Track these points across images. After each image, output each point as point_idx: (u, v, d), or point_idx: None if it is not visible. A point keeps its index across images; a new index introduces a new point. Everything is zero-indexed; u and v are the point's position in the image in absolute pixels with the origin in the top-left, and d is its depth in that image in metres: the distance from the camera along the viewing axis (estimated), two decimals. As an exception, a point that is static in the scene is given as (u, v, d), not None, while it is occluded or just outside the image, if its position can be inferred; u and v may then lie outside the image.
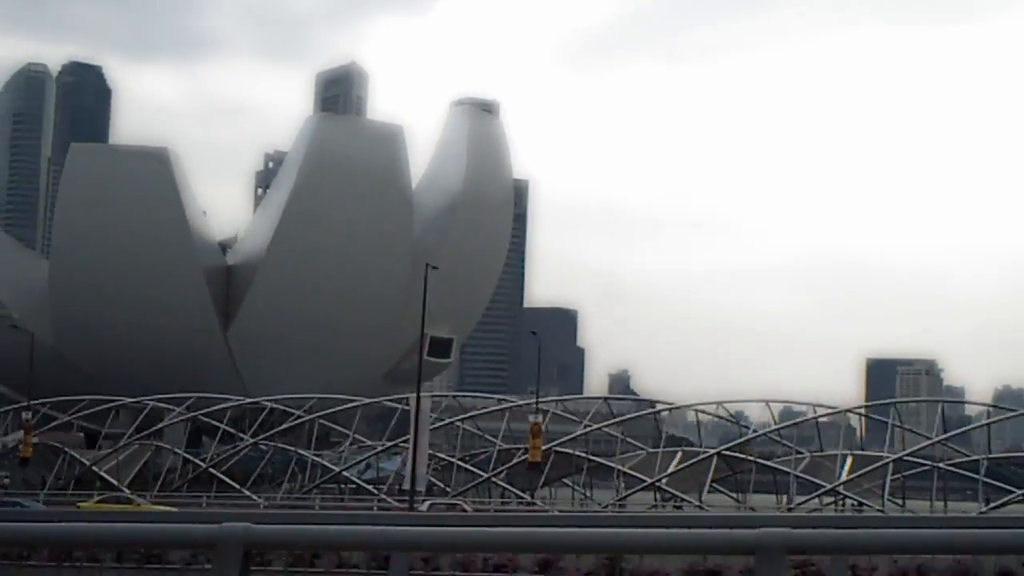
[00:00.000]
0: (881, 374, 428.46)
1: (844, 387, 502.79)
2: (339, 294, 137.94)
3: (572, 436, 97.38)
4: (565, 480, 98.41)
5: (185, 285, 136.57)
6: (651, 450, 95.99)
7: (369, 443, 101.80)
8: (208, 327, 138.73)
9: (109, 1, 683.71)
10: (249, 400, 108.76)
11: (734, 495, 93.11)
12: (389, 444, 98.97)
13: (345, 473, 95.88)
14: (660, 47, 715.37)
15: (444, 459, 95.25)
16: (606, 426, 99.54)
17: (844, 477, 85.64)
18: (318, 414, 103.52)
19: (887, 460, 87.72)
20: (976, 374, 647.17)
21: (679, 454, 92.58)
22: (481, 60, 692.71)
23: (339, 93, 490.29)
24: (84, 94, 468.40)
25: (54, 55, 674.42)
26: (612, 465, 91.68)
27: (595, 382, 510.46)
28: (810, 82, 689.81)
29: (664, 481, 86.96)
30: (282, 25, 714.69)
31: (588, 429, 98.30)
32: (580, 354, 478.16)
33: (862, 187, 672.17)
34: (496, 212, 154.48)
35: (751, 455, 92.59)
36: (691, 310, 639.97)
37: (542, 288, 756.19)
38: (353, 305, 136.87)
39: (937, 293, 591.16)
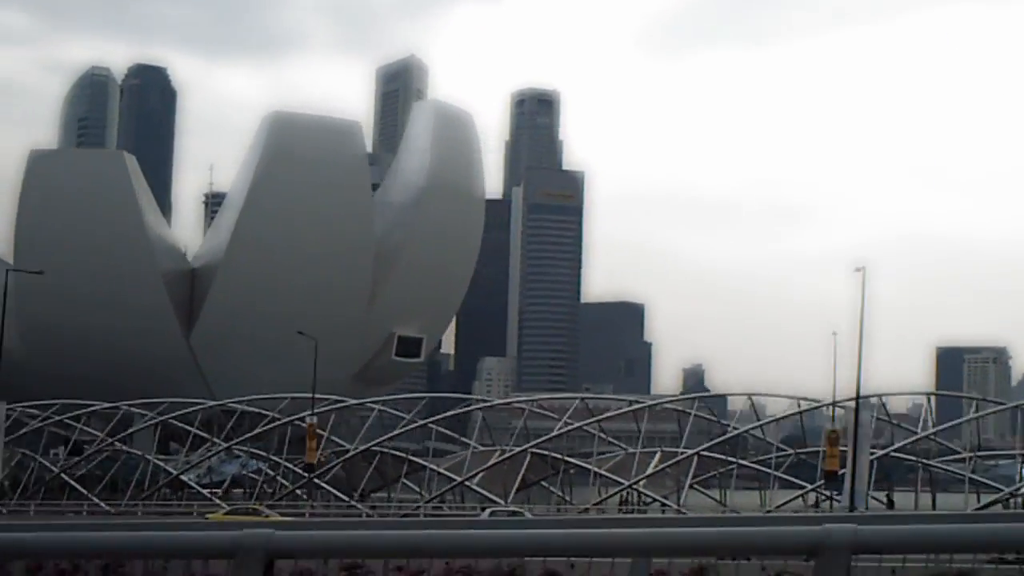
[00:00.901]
0: (950, 363, 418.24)
1: (919, 376, 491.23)
2: (301, 292, 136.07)
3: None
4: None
5: (143, 288, 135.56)
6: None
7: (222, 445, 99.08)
8: (169, 329, 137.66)
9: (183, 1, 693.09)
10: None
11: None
12: (224, 446, 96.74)
13: (183, 477, 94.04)
14: (737, 30, 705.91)
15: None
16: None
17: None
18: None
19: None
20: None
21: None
22: (547, 50, 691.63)
23: (399, 87, 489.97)
24: (149, 96, 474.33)
25: (121, 56, 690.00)
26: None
27: (666, 377, 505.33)
28: (889, 63, 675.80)
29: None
30: (355, 18, 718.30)
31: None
32: (647, 348, 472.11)
33: (941, 171, 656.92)
34: (465, 210, 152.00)
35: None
36: (767, 299, 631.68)
37: (609, 282, 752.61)
38: (316, 303, 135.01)
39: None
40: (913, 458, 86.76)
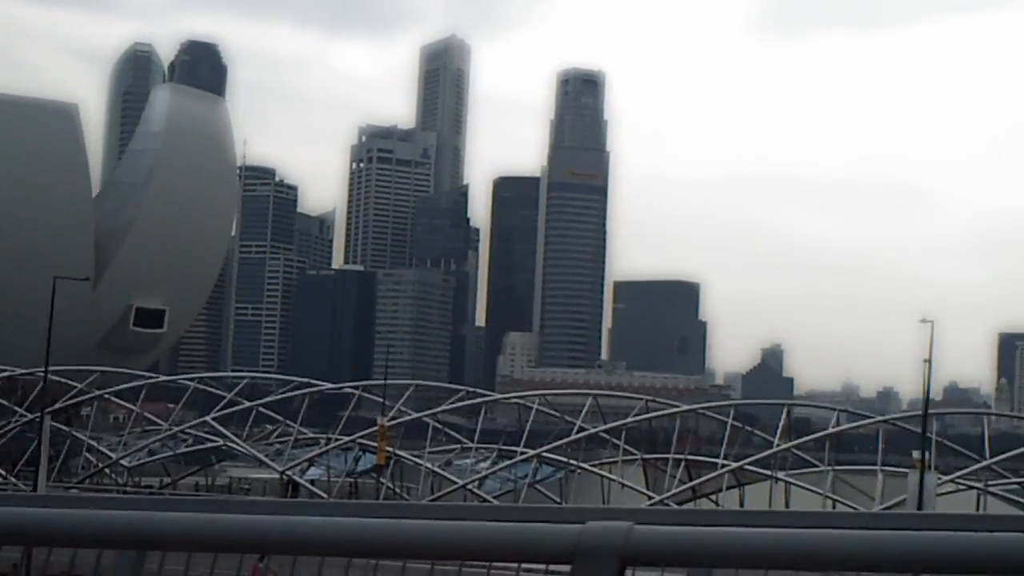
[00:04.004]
0: (1009, 349, 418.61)
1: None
2: (22, 269, 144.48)
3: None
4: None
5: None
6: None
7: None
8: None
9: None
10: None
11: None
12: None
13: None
14: (829, 9, 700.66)
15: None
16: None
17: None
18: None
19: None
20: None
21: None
22: (595, 30, 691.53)
23: (439, 67, 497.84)
24: (200, 71, 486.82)
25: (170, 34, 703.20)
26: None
27: (731, 356, 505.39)
28: (998, 48, 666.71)
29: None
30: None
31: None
32: (702, 328, 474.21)
33: None
34: (206, 188, 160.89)
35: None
36: (852, 282, 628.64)
37: (666, 259, 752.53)
38: (40, 279, 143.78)
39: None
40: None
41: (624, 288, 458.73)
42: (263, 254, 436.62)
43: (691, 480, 71.61)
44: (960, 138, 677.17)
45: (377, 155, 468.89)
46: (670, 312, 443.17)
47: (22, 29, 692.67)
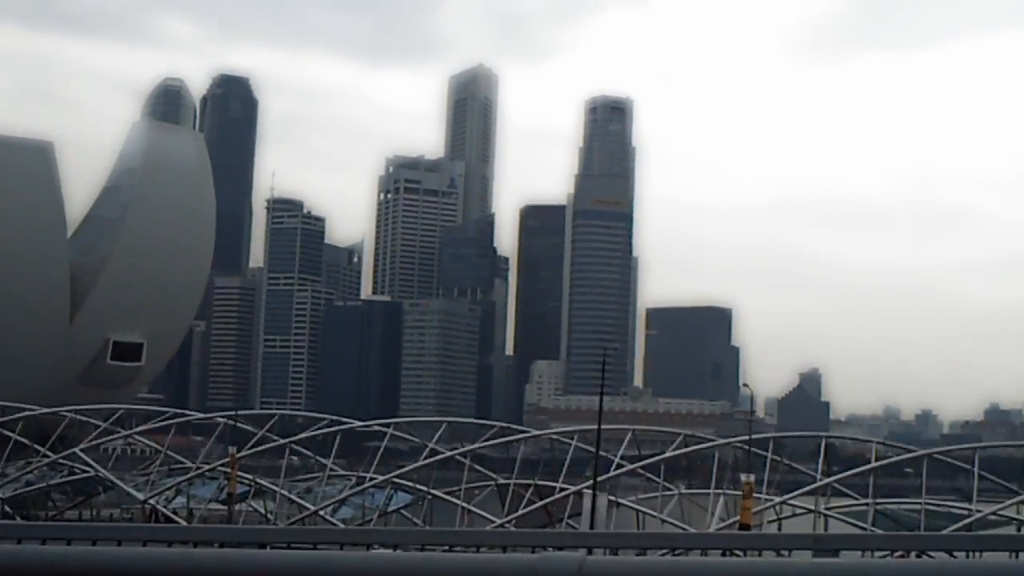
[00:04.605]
0: None
1: None
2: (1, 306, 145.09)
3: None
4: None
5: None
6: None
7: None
8: None
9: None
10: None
11: None
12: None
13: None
14: (884, 35, 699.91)
15: None
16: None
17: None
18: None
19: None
20: None
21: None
22: (623, 57, 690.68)
23: (466, 96, 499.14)
24: (231, 105, 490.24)
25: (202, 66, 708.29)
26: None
27: (768, 380, 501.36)
28: None
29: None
30: (427, 29, 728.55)
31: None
32: (735, 354, 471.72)
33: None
34: (184, 224, 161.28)
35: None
36: (892, 304, 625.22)
37: (698, 285, 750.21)
38: (15, 313, 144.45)
39: None
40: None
41: (656, 315, 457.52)
42: (291, 286, 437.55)
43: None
44: (1001, 158, 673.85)
45: (404, 185, 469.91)
46: (702, 338, 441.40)
47: (66, 64, 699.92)
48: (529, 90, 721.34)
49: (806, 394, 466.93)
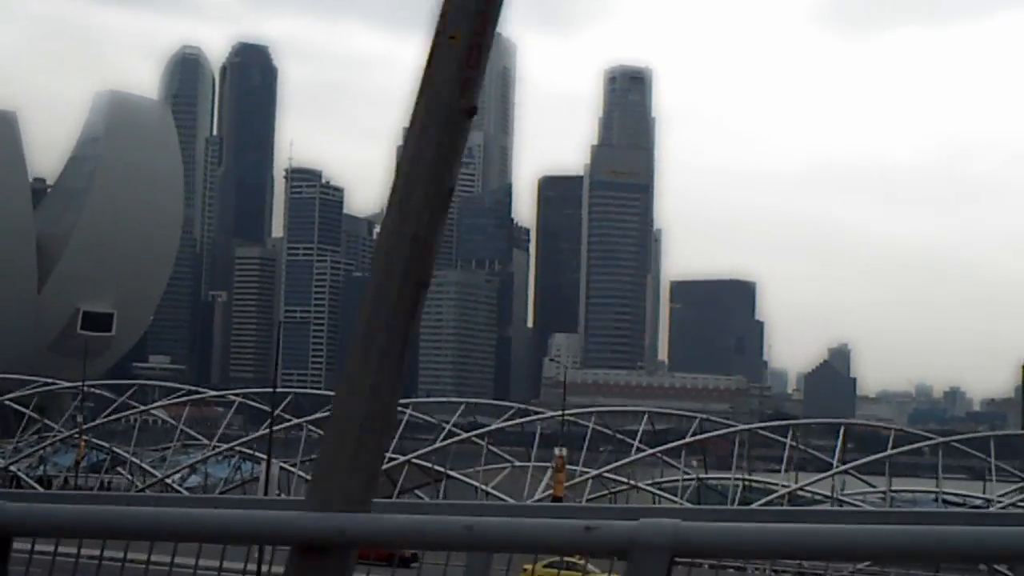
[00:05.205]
0: None
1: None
2: None
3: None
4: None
5: None
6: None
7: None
8: None
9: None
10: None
11: None
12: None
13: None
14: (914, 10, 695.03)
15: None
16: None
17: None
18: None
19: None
20: None
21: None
22: (643, 26, 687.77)
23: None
24: (250, 74, 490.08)
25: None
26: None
27: (796, 354, 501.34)
28: None
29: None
30: None
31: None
32: (759, 328, 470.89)
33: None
34: (150, 193, 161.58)
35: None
36: (923, 278, 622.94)
37: (723, 258, 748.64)
38: None
39: None
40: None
41: (680, 288, 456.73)
42: (310, 256, 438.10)
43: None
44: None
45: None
46: (726, 312, 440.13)
47: (92, 29, 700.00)
48: (549, 59, 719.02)
49: (834, 370, 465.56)
